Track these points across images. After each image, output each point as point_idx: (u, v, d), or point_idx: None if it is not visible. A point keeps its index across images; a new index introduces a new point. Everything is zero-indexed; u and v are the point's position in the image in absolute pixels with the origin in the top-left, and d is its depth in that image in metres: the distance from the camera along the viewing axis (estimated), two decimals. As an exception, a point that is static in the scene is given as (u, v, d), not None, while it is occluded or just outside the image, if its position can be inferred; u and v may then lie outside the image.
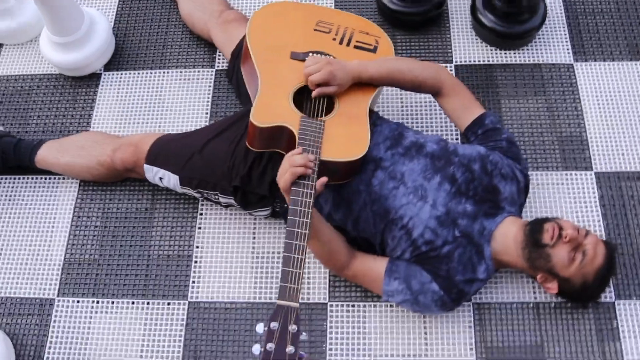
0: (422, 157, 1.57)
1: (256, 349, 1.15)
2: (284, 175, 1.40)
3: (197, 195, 1.76)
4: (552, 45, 2.00)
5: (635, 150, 1.83)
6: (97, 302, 1.74)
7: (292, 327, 1.18)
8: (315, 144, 1.47)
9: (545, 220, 1.52)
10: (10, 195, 1.90)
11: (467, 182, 1.54)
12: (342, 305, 1.69)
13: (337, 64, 1.58)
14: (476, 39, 2.02)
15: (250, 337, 1.67)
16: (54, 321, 1.73)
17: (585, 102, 1.91)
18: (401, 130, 1.64)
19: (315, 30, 1.72)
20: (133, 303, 1.74)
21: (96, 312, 1.73)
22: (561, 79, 1.95)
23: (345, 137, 1.53)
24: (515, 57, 1.99)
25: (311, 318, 1.68)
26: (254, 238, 1.79)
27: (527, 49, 2.00)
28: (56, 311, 1.74)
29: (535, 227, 1.50)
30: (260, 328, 1.18)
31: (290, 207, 1.37)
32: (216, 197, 1.72)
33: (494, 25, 1.93)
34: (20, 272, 1.80)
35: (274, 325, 1.18)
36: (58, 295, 1.76)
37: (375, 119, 1.68)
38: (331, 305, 1.69)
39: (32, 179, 1.91)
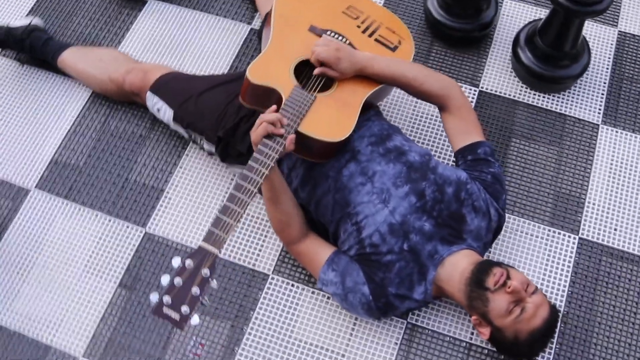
0: (399, 163, 1.55)
1: (164, 279, 1.18)
2: (256, 129, 1.42)
3: (186, 135, 1.80)
4: (585, 100, 1.92)
5: (629, 230, 1.74)
6: (67, 204, 1.82)
7: (205, 271, 1.20)
8: (298, 114, 1.47)
9: (496, 264, 1.46)
10: (27, 84, 2.00)
11: (434, 201, 1.51)
12: (283, 282, 1.69)
13: (345, 51, 1.58)
14: (510, 72, 1.96)
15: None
16: (22, 209, 1.82)
17: (596, 166, 1.82)
18: (391, 132, 1.62)
19: (343, 12, 1.72)
20: (97, 216, 1.80)
21: (61, 213, 1.81)
22: (582, 136, 1.86)
23: (329, 118, 1.52)
24: (543, 100, 1.92)
25: (249, 284, 1.69)
26: (226, 193, 1.81)
27: (558, 97, 1.92)
28: (27, 201, 1.83)
29: (482, 267, 1.45)
30: (175, 262, 1.20)
31: (249, 162, 1.38)
32: (201, 141, 1.76)
33: (530, 64, 1.87)
34: (10, 156, 1.89)
35: (189, 263, 1.20)
36: (35, 187, 1.85)
37: (372, 114, 1.67)
38: (272, 279, 1.70)
39: (52, 75, 2.01)
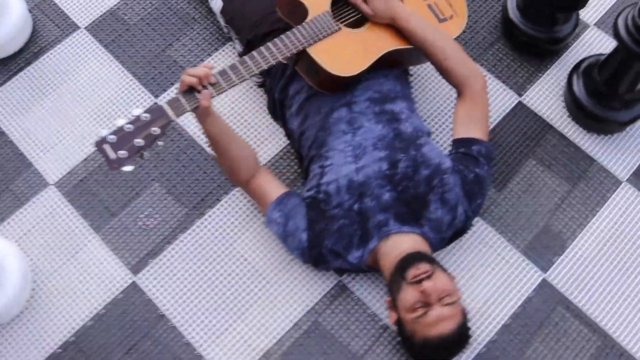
0: (388, 127, 1.53)
1: (119, 121, 1.25)
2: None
3: (225, 30, 1.85)
4: (620, 152, 1.79)
5: (599, 297, 1.63)
6: (104, 53, 1.93)
7: (155, 129, 1.26)
8: (313, 36, 1.48)
9: (430, 261, 1.42)
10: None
11: (404, 176, 1.49)
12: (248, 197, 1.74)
13: None
14: (559, 97, 1.86)
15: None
16: (66, 42, 1.95)
17: (598, 221, 1.71)
18: (398, 97, 1.60)
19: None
20: (123, 73, 1.91)
21: (95, 58, 1.93)
22: (599, 185, 1.75)
23: (342, 52, 1.51)
24: (579, 136, 1.81)
25: (220, 185, 1.75)
26: (244, 91, 1.87)
27: (595, 138, 1.81)
28: (73, 37, 1.96)
29: (413, 257, 1.41)
30: (136, 111, 1.26)
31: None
32: (235, 39, 1.81)
33: (580, 94, 1.76)
34: (77, -8, 2.04)
35: (146, 116, 1.26)
36: (85, 28, 1.97)
37: (394, 74, 1.64)
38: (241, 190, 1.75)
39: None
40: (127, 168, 1.25)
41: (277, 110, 1.74)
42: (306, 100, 1.62)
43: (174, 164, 1.78)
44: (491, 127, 1.82)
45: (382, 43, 1.57)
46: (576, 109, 1.79)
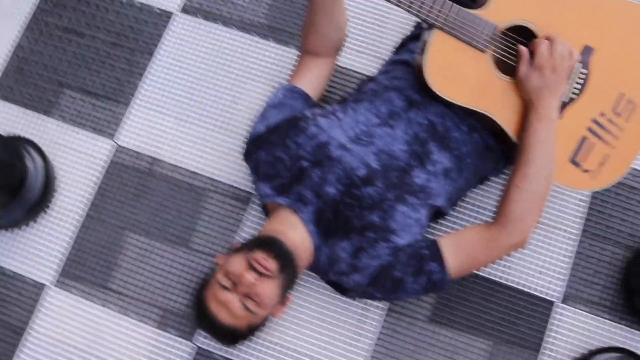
0: (406, 158, 1.30)
1: None
2: None
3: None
4: None
5: None
6: None
7: None
8: (459, 30, 1.23)
9: (283, 268, 1.24)
10: None
11: (358, 199, 1.27)
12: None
13: (556, 78, 1.26)
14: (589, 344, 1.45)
15: None
16: None
17: None
18: (453, 153, 1.33)
19: (620, 93, 1.31)
20: None
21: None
22: None
23: (458, 68, 1.26)
24: None
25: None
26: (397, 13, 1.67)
27: None
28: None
29: (277, 248, 1.25)
30: None
31: None
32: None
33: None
34: None
35: None
36: None
37: (484, 144, 1.36)
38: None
39: None
40: None
41: (398, 48, 1.58)
42: (402, 62, 1.42)
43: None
44: (514, 286, 1.49)
45: (499, 106, 1.29)
46: None
